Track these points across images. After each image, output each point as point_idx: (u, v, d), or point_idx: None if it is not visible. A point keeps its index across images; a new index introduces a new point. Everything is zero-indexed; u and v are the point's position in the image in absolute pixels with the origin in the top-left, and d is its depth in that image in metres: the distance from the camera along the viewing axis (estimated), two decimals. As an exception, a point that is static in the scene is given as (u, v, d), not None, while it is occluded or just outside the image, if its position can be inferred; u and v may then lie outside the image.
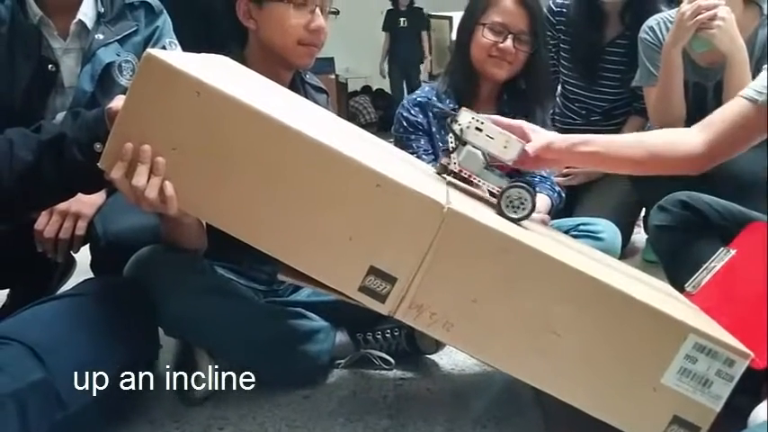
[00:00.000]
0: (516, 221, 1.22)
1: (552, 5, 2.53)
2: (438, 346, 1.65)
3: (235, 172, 1.12)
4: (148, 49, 1.11)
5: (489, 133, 1.27)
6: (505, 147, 1.28)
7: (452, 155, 1.29)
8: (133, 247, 1.41)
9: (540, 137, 1.37)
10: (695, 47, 1.98)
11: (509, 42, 1.91)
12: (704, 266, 1.37)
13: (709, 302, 1.28)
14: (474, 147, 1.28)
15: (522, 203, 1.24)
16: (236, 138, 1.10)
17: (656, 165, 1.44)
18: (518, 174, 1.31)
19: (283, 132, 1.09)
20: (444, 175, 1.33)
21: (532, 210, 1.25)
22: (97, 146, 1.17)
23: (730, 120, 1.37)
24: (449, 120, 1.30)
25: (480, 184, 1.29)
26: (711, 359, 1.09)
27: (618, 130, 2.46)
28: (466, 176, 1.28)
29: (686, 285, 1.37)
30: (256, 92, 1.29)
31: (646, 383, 1.11)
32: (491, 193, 1.29)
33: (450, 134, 1.30)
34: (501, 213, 1.23)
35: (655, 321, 1.10)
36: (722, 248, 1.37)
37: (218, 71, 1.26)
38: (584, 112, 2.54)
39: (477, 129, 1.27)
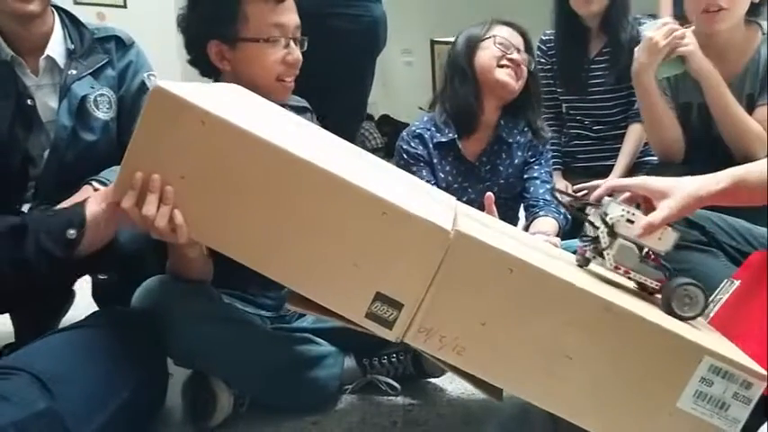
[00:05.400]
0: (686, 320, 1.16)
1: (542, 37, 2.62)
2: (444, 369, 1.64)
3: (241, 200, 1.12)
4: (157, 81, 1.12)
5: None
6: (660, 238, 1.19)
7: (606, 252, 1.19)
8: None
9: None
10: (663, 73, 2.00)
11: (516, 54, 1.94)
12: (711, 298, 1.35)
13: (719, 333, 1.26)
14: (627, 240, 1.19)
15: (692, 299, 1.16)
16: (241, 166, 1.10)
17: None
18: (664, 265, 1.23)
19: (287, 160, 1.09)
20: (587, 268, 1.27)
21: (704, 308, 1.18)
22: (70, 232, 1.18)
23: None
24: (600, 213, 1.21)
25: (636, 278, 1.21)
26: (728, 382, 1.07)
27: (623, 137, 2.50)
28: (621, 273, 1.20)
29: None
30: (263, 119, 1.29)
31: (661, 407, 1.09)
32: (641, 286, 1.23)
33: (602, 228, 1.20)
34: (671, 312, 1.16)
35: (669, 343, 1.08)
36: (727, 280, 1.35)
37: (226, 100, 1.27)
38: (587, 122, 2.58)
39: (629, 221, 1.18)
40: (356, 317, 1.12)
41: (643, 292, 1.24)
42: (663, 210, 1.20)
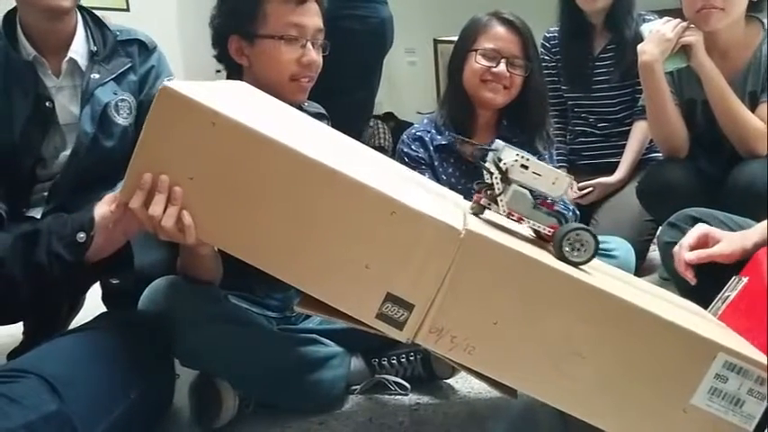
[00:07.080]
0: (577, 265, 1.15)
1: (546, 34, 2.63)
2: (454, 370, 1.63)
3: (251, 201, 1.11)
4: (164, 82, 1.11)
5: (536, 170, 1.17)
6: (554, 183, 1.18)
7: (499, 197, 1.18)
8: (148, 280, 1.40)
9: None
10: (667, 66, 2.01)
11: (502, 66, 1.92)
12: (719, 296, 1.35)
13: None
14: (521, 186, 1.18)
15: (583, 245, 1.16)
16: (251, 166, 1.10)
17: None
18: (558, 212, 1.22)
19: (297, 160, 1.08)
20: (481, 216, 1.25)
21: (594, 254, 1.16)
22: (80, 235, 1.17)
23: None
24: (493, 158, 1.19)
25: (530, 225, 1.20)
26: (742, 378, 1.07)
27: (627, 134, 2.51)
28: (514, 219, 1.19)
29: None
30: (272, 118, 1.29)
31: (675, 404, 1.08)
32: (536, 233, 1.23)
33: (495, 174, 1.18)
34: (562, 257, 1.15)
35: (682, 340, 1.07)
36: (734, 277, 1.35)
37: (235, 99, 1.26)
38: (592, 119, 2.58)
39: (523, 166, 1.17)
40: (367, 318, 1.11)
41: (541, 241, 1.22)
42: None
